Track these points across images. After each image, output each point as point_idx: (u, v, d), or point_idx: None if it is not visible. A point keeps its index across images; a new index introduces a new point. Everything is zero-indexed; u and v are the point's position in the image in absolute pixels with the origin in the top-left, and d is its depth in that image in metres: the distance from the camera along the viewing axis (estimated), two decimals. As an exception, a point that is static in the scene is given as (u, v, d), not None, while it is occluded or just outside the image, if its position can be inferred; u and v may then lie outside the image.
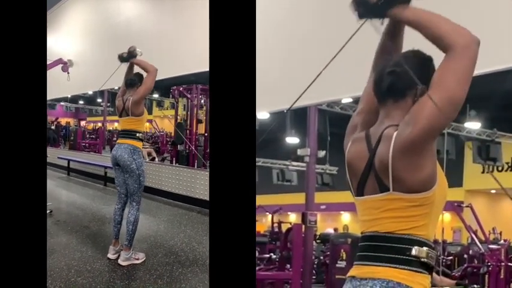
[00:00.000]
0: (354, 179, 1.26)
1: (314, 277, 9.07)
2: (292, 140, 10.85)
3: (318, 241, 9.70)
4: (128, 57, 3.82)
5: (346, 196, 12.41)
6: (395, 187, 1.14)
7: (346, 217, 17.48)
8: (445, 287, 4.27)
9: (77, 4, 9.14)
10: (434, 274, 1.30)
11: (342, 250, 6.79)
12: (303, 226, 6.75)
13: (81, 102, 24.32)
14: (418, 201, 1.14)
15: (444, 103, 1.07)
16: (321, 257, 9.01)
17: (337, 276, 6.58)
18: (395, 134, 1.14)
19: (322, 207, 15.24)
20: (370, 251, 1.18)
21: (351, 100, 8.71)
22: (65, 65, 8.34)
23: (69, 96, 14.68)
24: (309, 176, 7.78)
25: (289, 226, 7.50)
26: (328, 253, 7.65)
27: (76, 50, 8.64)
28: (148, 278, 3.34)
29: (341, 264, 6.68)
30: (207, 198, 6.17)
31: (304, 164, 8.98)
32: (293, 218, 14.90)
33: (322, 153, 9.29)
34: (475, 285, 5.50)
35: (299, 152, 8.35)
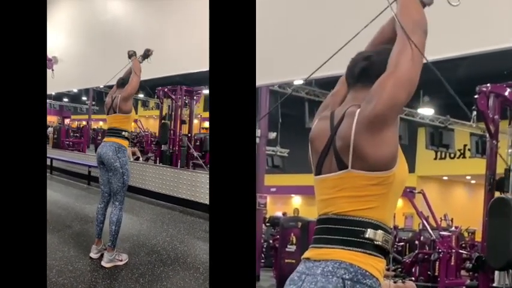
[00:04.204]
0: (315, 157, 1.22)
1: (263, 261, 8.71)
2: (242, 120, 10.51)
3: (267, 224, 9.31)
4: (144, 56, 3.97)
5: (297, 179, 12.24)
6: (355, 165, 1.10)
7: (296, 200, 16.64)
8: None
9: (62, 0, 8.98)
10: None
11: (292, 234, 6.26)
12: (252, 209, 6.51)
13: (65, 99, 23.85)
14: (377, 179, 1.09)
15: (402, 79, 1.09)
16: (270, 241, 8.54)
17: (286, 261, 6.25)
18: (358, 110, 1.12)
19: (272, 189, 14.57)
20: (325, 233, 1.14)
21: (302, 82, 8.48)
22: (49, 62, 8.15)
23: (53, 93, 14.37)
24: (259, 158, 7.52)
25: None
26: (278, 237, 7.24)
27: (61, 47, 8.42)
28: (131, 276, 3.26)
29: (291, 248, 6.31)
30: (189, 197, 6.09)
31: (254, 145, 8.73)
32: (242, 200, 14.40)
33: (273, 135, 8.81)
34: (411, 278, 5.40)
35: (249, 132, 8.04)
